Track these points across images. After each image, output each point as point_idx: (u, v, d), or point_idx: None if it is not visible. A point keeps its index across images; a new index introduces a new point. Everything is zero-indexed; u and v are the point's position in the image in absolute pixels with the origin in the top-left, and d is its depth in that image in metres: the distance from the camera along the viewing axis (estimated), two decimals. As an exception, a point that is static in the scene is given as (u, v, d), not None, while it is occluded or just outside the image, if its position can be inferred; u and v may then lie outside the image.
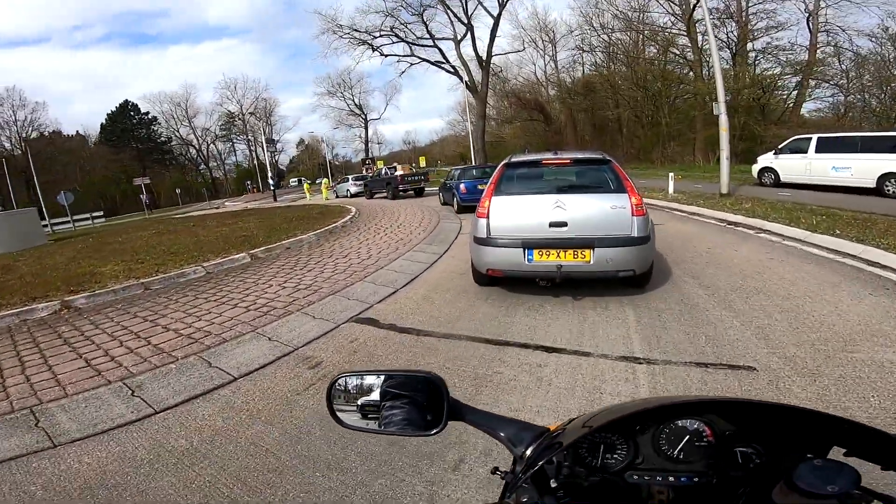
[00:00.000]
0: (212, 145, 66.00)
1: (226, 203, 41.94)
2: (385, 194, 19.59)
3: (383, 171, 22.38)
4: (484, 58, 30.92)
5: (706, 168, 24.13)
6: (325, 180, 28.78)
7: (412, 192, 18.77)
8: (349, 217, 12.36)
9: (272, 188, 35.54)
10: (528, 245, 4.07)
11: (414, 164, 27.26)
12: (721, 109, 11.15)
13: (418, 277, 6.02)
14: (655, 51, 32.78)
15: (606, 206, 4.04)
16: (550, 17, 48.35)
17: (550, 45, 44.54)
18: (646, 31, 32.60)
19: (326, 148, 66.33)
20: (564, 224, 4.02)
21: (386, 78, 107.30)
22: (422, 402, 0.76)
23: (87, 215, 27.81)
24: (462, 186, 12.66)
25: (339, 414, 0.80)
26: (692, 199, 10.87)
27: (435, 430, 0.74)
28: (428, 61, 31.27)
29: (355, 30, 28.95)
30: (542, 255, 4.03)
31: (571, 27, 37.07)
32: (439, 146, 75.39)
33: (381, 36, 29.30)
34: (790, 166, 13.30)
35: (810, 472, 0.52)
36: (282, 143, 71.83)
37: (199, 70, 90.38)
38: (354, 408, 0.79)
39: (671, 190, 12.40)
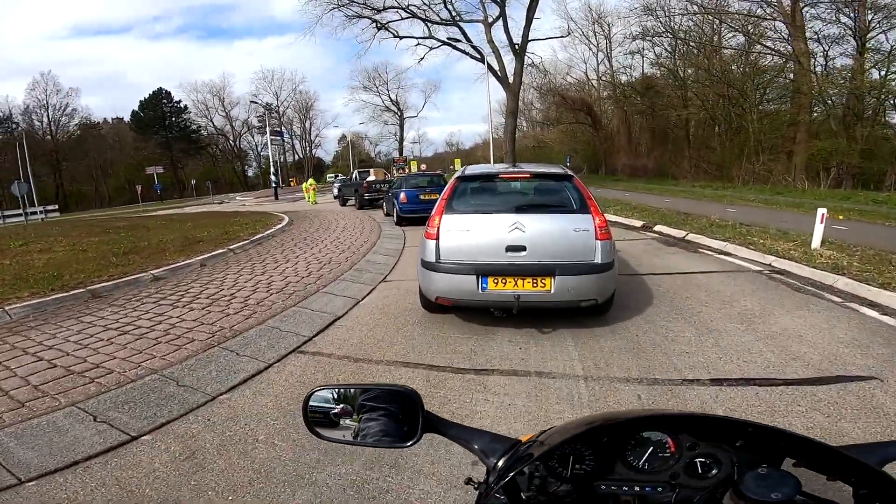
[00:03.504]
0: (248, 137, 64.05)
1: (237, 198, 39.19)
2: (354, 201, 17.41)
3: (354, 176, 19.13)
4: (518, 43, 25.06)
5: (814, 193, 17.19)
6: (310, 181, 24.06)
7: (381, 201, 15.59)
8: (239, 244, 7.58)
9: (274, 186, 32.07)
10: (483, 272, 3.59)
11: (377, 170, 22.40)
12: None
13: None
14: (741, 41, 25.75)
15: (569, 228, 3.67)
16: (606, 6, 41.55)
17: (605, 41, 38.06)
18: (728, 19, 25.63)
19: (370, 145, 63.29)
20: (523, 248, 3.60)
21: (429, 76, 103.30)
22: (397, 415, 0.76)
23: (41, 208, 24.58)
24: (402, 195, 10.96)
25: (315, 427, 0.79)
26: None
27: (410, 443, 0.75)
28: (448, 44, 25.64)
29: (353, 0, 23.75)
30: (497, 283, 3.58)
31: (629, 20, 30.56)
32: (482, 149, 71.05)
33: (385, 9, 23.98)
34: None
35: (755, 481, 0.56)
36: (321, 137, 70.00)
37: (265, 64, 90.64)
38: (331, 420, 0.78)
39: (818, 241, 6.28)
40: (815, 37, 21.69)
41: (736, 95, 23.88)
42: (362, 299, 4.84)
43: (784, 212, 11.33)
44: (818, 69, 21.43)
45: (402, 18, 24.72)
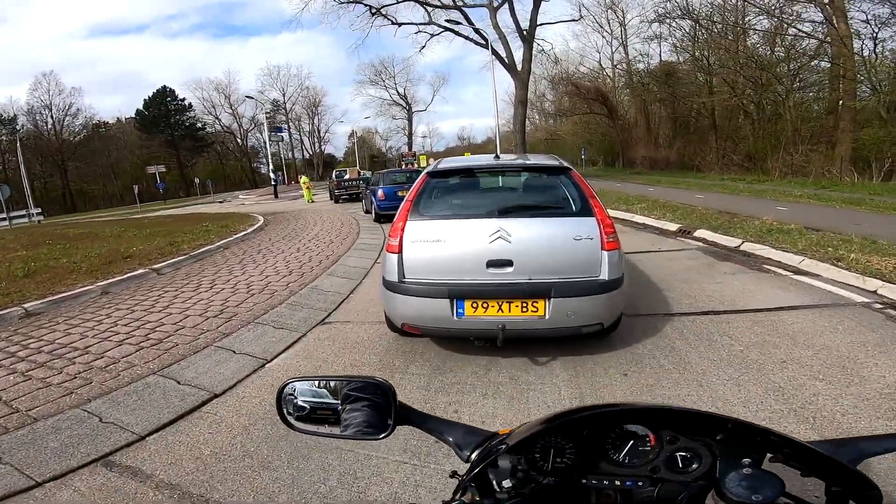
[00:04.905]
0: (256, 134, 63.05)
1: (239, 196, 38.27)
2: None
3: (333, 175, 21.00)
4: (526, 28, 23.04)
5: (868, 187, 15.02)
6: (303, 178, 22.64)
7: (357, 196, 16.72)
8: (171, 261, 6.08)
9: (273, 184, 31.02)
10: (458, 294, 2.92)
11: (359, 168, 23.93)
12: None
13: None
14: (769, 23, 23.35)
15: (567, 235, 2.99)
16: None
17: (619, 28, 35.73)
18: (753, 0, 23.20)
19: (381, 140, 62.27)
20: (509, 263, 2.94)
21: (439, 70, 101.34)
22: (371, 407, 0.75)
23: (25, 212, 23.57)
24: (380, 192, 11.01)
25: (288, 418, 0.78)
26: None
27: (383, 435, 0.74)
28: (449, 29, 23.61)
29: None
30: (477, 307, 2.92)
31: (644, 5, 28.29)
32: (494, 142, 69.75)
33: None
34: None
35: (737, 482, 0.55)
36: (330, 133, 69.24)
37: (280, 61, 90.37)
38: (304, 412, 0.78)
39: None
40: (864, 17, 19.36)
41: (770, 80, 21.59)
42: (271, 360, 3.19)
43: (848, 210, 9.37)
44: (865, 52, 19.07)
45: (399, 1, 22.89)
